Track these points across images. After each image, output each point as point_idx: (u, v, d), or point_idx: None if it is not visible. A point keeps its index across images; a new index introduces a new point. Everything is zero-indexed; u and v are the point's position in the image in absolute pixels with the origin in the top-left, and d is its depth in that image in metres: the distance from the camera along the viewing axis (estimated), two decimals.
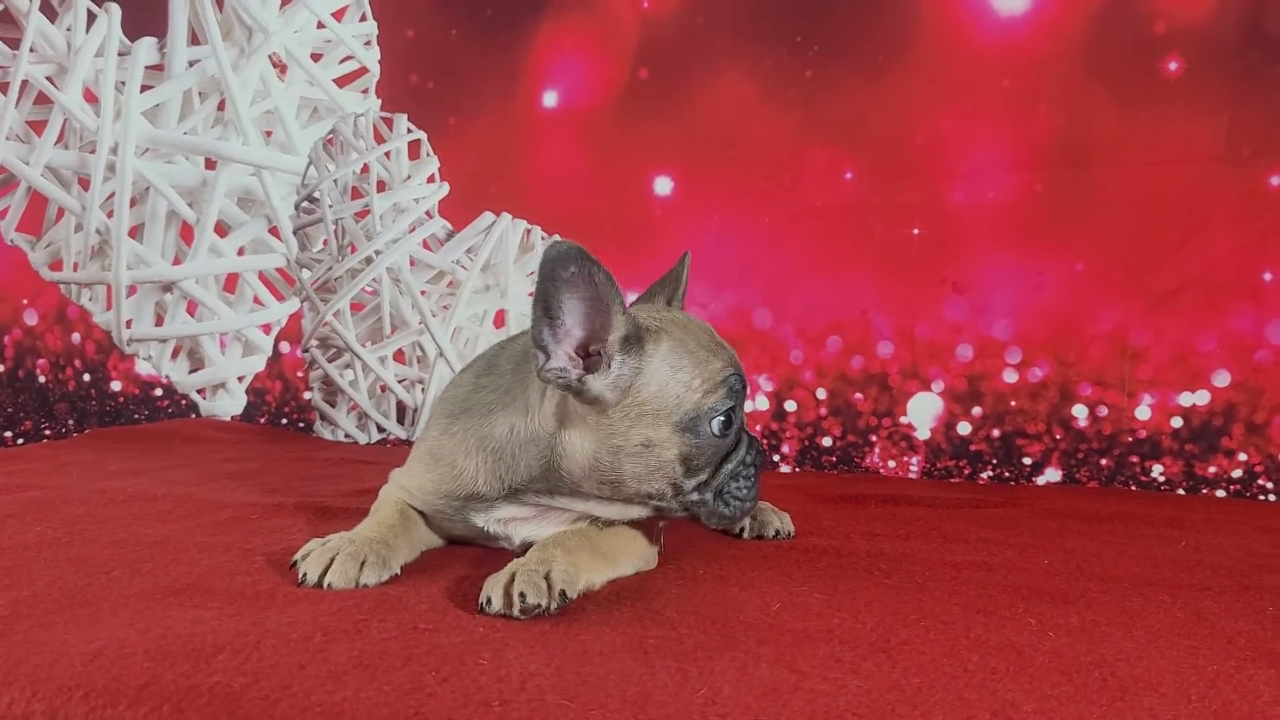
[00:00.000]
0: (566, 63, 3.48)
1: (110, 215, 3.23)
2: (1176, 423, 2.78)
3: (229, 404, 3.61)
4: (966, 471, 2.99)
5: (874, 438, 3.09)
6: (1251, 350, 2.71)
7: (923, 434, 3.04)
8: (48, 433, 4.05)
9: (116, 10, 3.30)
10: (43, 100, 3.29)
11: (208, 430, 3.23)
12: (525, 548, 1.33)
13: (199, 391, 3.58)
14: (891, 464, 3.07)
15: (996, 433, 2.97)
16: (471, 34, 3.60)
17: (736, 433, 1.31)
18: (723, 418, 1.26)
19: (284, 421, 3.78)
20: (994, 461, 2.97)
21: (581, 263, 1.17)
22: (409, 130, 3.15)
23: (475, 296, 3.02)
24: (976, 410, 2.99)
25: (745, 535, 1.70)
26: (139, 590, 1.21)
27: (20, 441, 3.98)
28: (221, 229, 3.42)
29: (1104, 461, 2.85)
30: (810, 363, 3.16)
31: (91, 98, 3.27)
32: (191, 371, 3.55)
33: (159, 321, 3.46)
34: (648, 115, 3.33)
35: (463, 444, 1.36)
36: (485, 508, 1.37)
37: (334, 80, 3.51)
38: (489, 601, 1.14)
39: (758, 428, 3.17)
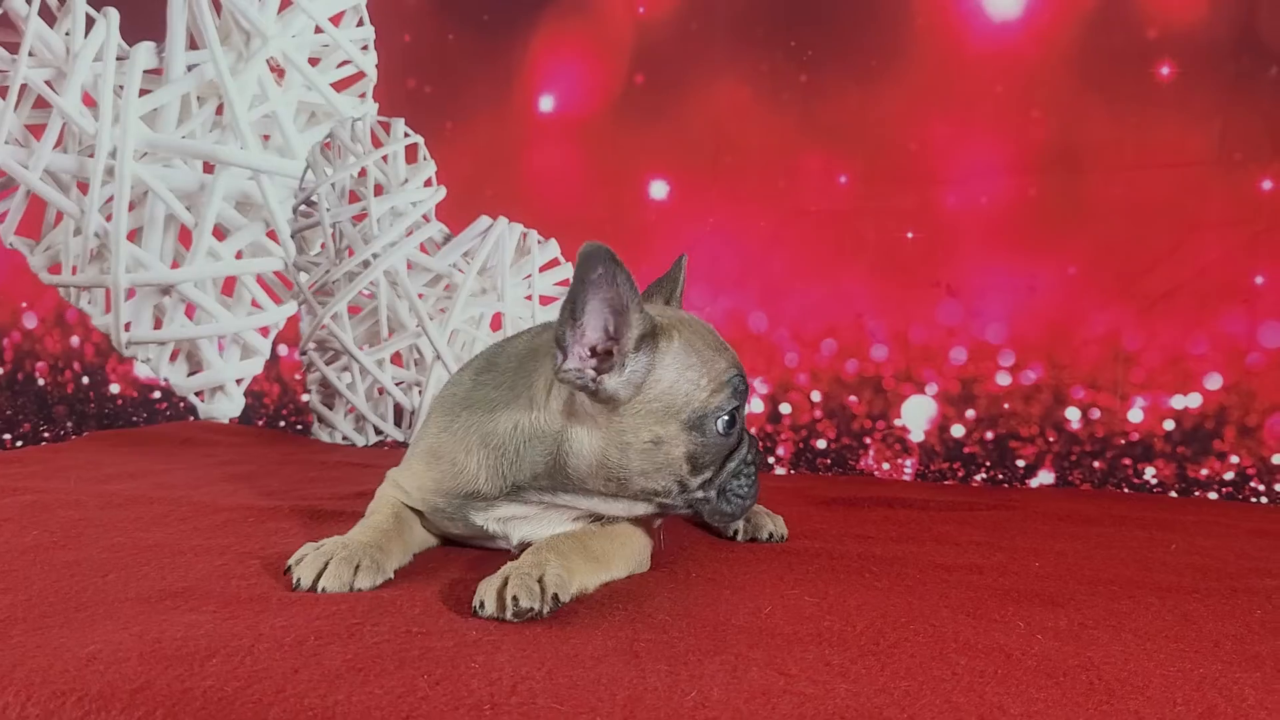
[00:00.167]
0: (563, 67, 3.50)
1: (109, 219, 3.24)
2: (1169, 425, 2.79)
3: (227, 406, 3.62)
4: (960, 474, 3.00)
5: (868, 440, 3.10)
6: (1243, 353, 2.72)
7: (917, 436, 3.05)
8: (46, 435, 4.05)
9: (115, 15, 3.31)
10: (41, 104, 3.29)
11: (205, 433, 3.24)
12: (523, 547, 1.33)
13: (197, 394, 3.59)
14: (886, 466, 3.08)
15: (990, 435, 2.98)
16: (468, 39, 3.61)
17: (739, 433, 1.33)
18: (727, 417, 1.28)
19: (282, 424, 3.79)
20: (987, 464, 2.98)
21: (608, 264, 1.19)
22: (406, 134, 3.16)
23: (472, 300, 3.03)
24: (970, 413, 3.00)
25: (739, 538, 1.71)
26: (134, 594, 1.22)
27: (19, 444, 3.99)
28: (220, 232, 3.42)
29: (1097, 464, 2.86)
30: (805, 365, 3.17)
31: (90, 102, 3.28)
32: (190, 374, 3.56)
33: (157, 324, 3.47)
34: (643, 119, 3.34)
35: (464, 441, 1.36)
36: (485, 506, 1.38)
37: (331, 84, 3.52)
38: (482, 605, 1.15)
39: (753, 430, 3.18)
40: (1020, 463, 2.95)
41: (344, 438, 3.27)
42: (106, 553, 1.43)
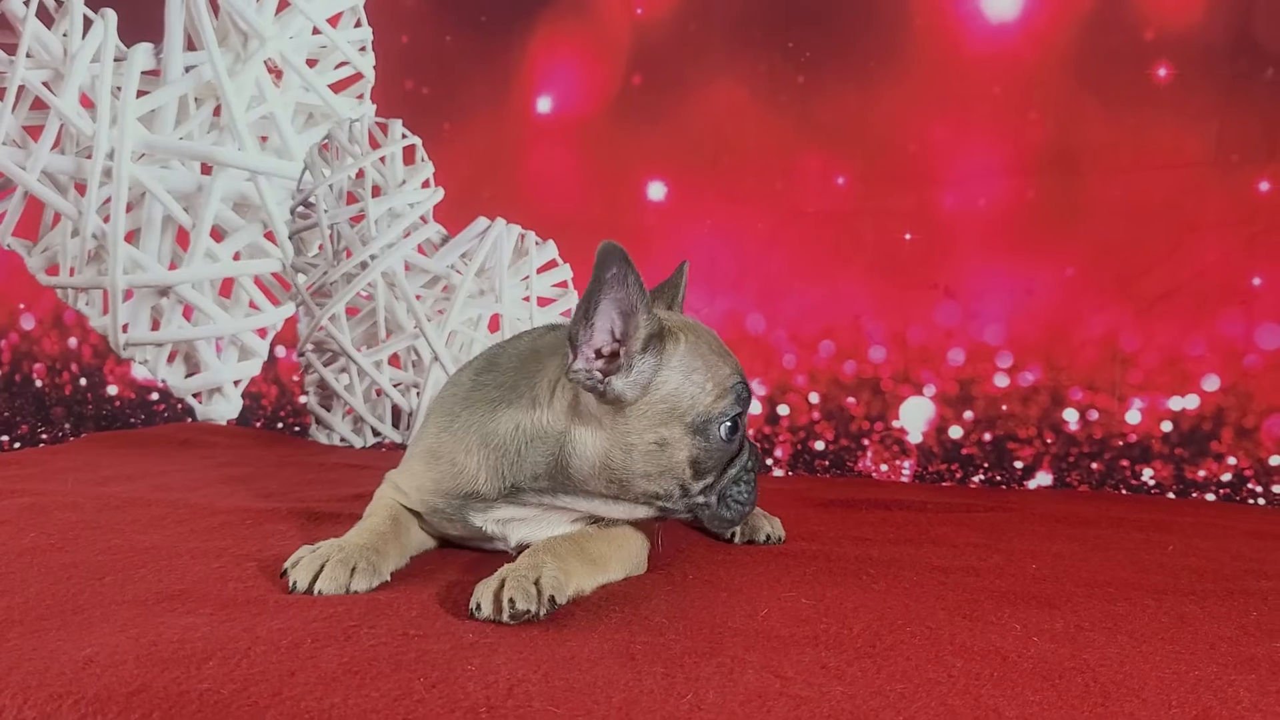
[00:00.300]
0: (560, 68, 3.50)
1: (106, 220, 3.24)
2: (1166, 427, 2.79)
3: (224, 408, 3.62)
4: (958, 475, 3.00)
5: (866, 442, 3.10)
6: (1241, 355, 2.72)
7: (915, 438, 3.06)
8: (44, 437, 4.05)
9: (112, 16, 3.30)
10: (39, 105, 3.29)
11: (203, 434, 3.24)
12: (521, 549, 1.33)
13: (195, 396, 3.59)
14: (884, 468, 3.08)
15: (988, 437, 2.98)
16: (466, 40, 3.61)
17: (740, 439, 1.33)
18: (730, 423, 1.29)
19: (279, 425, 3.78)
20: (985, 465, 2.98)
21: (621, 264, 1.20)
22: (404, 135, 3.16)
23: (470, 301, 3.03)
24: (968, 414, 3.00)
25: (736, 540, 1.71)
26: (131, 596, 1.22)
27: (17, 446, 3.98)
28: (217, 234, 3.42)
29: (1095, 465, 2.86)
30: (803, 367, 3.17)
31: (88, 103, 3.28)
32: (187, 376, 3.56)
33: (155, 326, 3.47)
34: (641, 121, 3.34)
35: (464, 441, 1.36)
36: (484, 507, 1.38)
37: (329, 86, 3.51)
38: (479, 607, 1.15)
39: (750, 431, 3.18)
40: (1018, 464, 2.95)
41: (342, 439, 3.26)
42: (104, 555, 1.43)
